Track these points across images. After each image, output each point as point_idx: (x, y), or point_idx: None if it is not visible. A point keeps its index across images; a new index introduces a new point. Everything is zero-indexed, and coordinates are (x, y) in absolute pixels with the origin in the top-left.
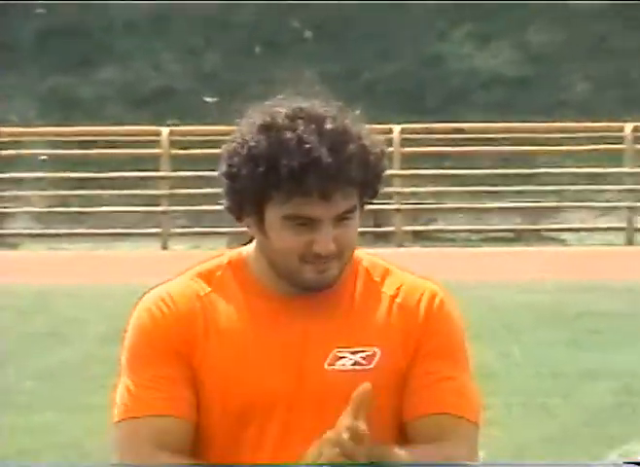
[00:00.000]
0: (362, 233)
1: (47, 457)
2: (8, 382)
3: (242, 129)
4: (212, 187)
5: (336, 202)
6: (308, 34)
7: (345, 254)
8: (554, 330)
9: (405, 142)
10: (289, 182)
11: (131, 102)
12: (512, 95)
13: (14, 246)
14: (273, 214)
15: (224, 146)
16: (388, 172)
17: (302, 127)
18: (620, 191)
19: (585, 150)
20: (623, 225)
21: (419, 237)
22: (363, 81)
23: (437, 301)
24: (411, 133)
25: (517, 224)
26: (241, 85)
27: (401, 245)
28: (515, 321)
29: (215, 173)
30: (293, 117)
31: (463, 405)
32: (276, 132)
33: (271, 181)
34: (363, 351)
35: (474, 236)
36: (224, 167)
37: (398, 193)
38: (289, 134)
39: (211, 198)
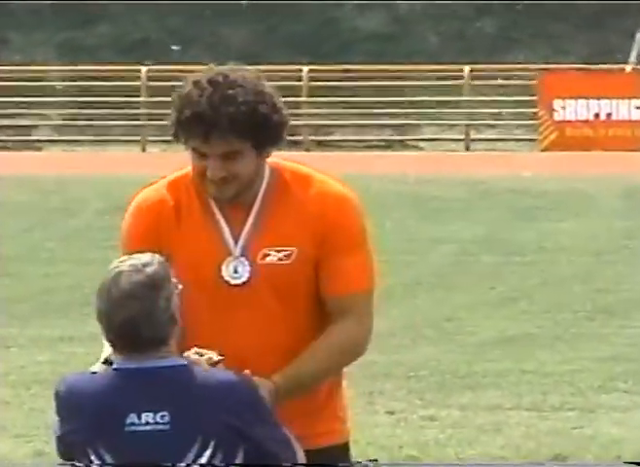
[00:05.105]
0: None
1: (60, 296)
2: (34, 243)
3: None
4: None
5: (216, 145)
6: (245, 3)
7: (240, 179)
8: (412, 209)
9: (310, 78)
10: (183, 127)
11: (120, 49)
12: (383, 46)
13: (38, 148)
14: (187, 145)
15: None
16: (298, 99)
17: (206, 90)
18: (460, 113)
19: (435, 84)
20: (462, 136)
21: (320, 145)
22: (281, 35)
23: (338, 202)
24: (315, 72)
25: (389, 135)
26: (197, 37)
27: (307, 150)
28: (386, 202)
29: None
30: (209, 81)
31: (356, 281)
32: (194, 89)
33: (177, 125)
34: (284, 250)
35: (359, 144)
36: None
37: (306, 113)
38: (195, 94)
39: None
